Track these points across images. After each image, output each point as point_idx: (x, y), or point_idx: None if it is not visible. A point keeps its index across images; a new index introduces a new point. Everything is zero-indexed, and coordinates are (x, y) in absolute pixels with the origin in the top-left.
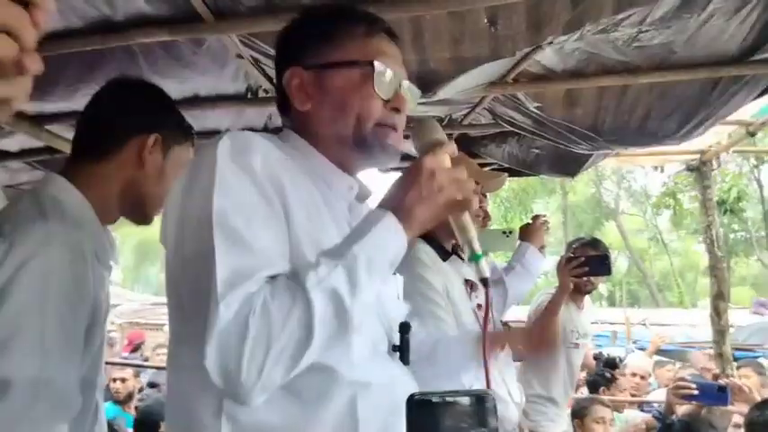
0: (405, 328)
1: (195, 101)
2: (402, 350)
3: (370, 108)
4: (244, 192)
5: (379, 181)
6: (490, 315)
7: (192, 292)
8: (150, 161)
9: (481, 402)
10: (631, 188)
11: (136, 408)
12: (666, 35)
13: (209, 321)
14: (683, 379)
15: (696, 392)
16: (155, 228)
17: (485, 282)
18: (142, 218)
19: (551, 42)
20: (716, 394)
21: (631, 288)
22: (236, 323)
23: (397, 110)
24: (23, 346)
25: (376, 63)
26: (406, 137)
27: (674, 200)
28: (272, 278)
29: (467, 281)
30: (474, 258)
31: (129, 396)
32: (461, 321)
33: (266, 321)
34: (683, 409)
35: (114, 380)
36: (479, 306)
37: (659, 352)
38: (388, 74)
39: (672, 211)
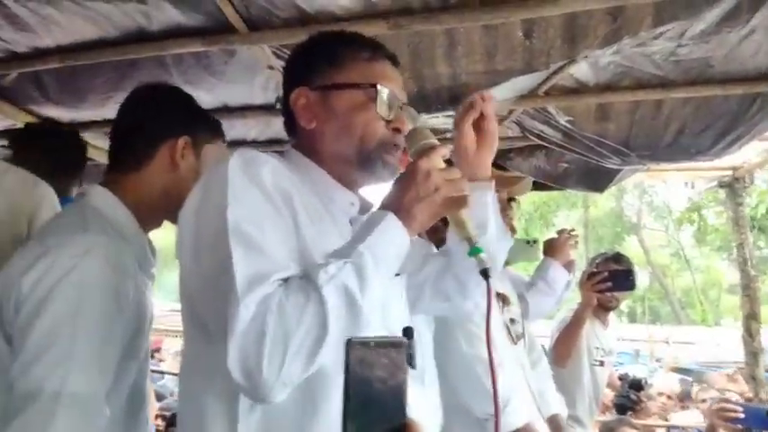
0: (408, 333)
1: (224, 111)
2: (408, 354)
3: (372, 128)
4: (255, 202)
5: (379, 194)
6: (499, 309)
7: (210, 301)
8: (184, 164)
9: (399, 347)
10: (653, 203)
11: (157, 416)
12: (705, 49)
13: (230, 323)
14: (726, 400)
15: (742, 416)
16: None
17: (485, 273)
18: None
19: (586, 56)
20: (764, 418)
21: (653, 305)
22: (254, 323)
23: (397, 130)
24: (52, 358)
25: (379, 86)
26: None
27: (698, 215)
28: (285, 280)
29: (498, 294)
30: (473, 252)
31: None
32: (493, 336)
33: (283, 319)
34: None
35: None
36: (512, 320)
37: (677, 371)
38: (390, 96)
39: (696, 227)
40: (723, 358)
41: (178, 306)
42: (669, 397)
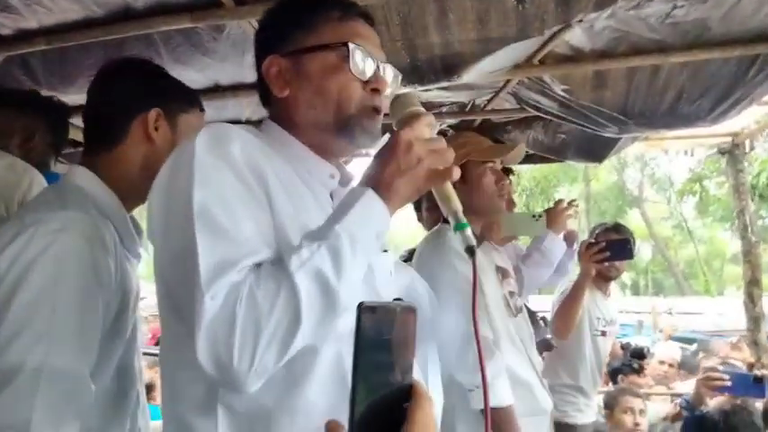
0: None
1: (216, 90)
2: None
3: (348, 90)
4: (223, 181)
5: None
6: (498, 282)
7: (179, 286)
8: (159, 136)
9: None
10: (655, 175)
11: None
12: (702, 11)
13: (196, 314)
14: (713, 369)
15: (729, 384)
16: None
17: (471, 251)
18: None
19: (581, 20)
20: (751, 385)
21: (656, 277)
22: (223, 314)
23: (376, 90)
24: (32, 333)
25: (350, 44)
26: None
27: (700, 186)
28: (257, 266)
29: (498, 267)
30: (458, 228)
31: (150, 387)
32: (490, 311)
33: (253, 309)
34: (714, 402)
35: None
36: (511, 293)
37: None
38: (364, 54)
39: (697, 198)
40: (726, 327)
41: None
42: (671, 365)
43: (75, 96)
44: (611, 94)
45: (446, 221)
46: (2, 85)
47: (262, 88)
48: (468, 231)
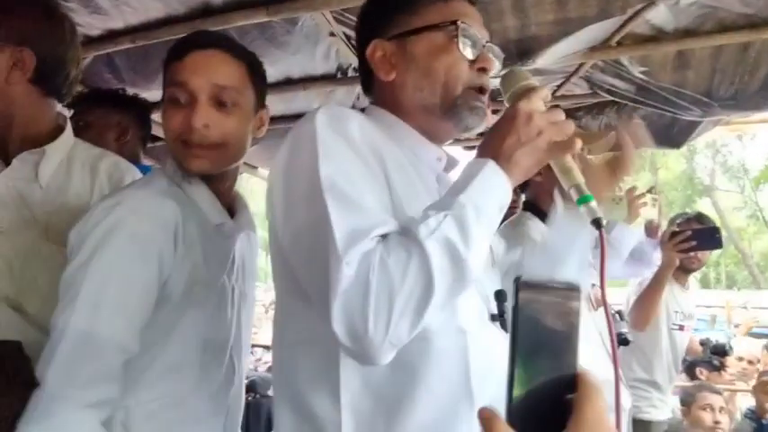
0: (501, 295)
1: (286, 84)
2: (501, 318)
3: (456, 70)
4: (346, 157)
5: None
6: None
7: (305, 261)
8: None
9: (573, 291)
10: (727, 162)
11: None
12: None
13: (332, 282)
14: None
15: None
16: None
17: (598, 223)
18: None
19: None
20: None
21: (728, 270)
22: (357, 281)
23: (483, 70)
24: (64, 301)
25: (459, 23)
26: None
27: None
28: (384, 235)
29: None
30: (583, 200)
31: None
32: None
33: (386, 276)
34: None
35: None
36: (593, 285)
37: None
38: (472, 33)
39: None
40: None
41: None
42: (750, 362)
43: (156, 93)
44: (694, 74)
45: (526, 209)
46: (90, 84)
47: (364, 74)
48: (593, 203)
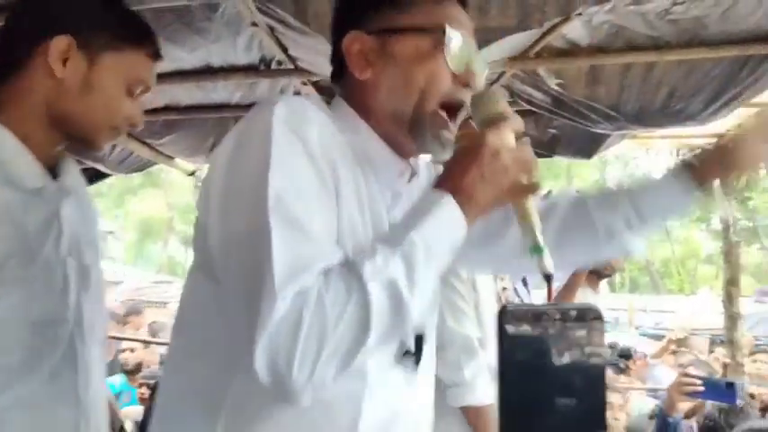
0: (420, 337)
1: (207, 72)
2: (418, 354)
3: (438, 80)
4: (301, 169)
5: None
6: (492, 278)
7: (235, 269)
8: (69, 73)
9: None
10: (636, 174)
11: (141, 384)
12: (701, 9)
13: (262, 315)
14: (687, 374)
15: (702, 389)
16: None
17: (548, 278)
18: (81, 142)
19: (581, 14)
20: (724, 391)
21: (632, 275)
22: (289, 318)
23: (467, 85)
24: None
25: (448, 29)
26: None
27: None
28: (327, 269)
29: None
30: (535, 251)
31: (138, 367)
32: (482, 309)
33: (321, 316)
34: (685, 406)
35: (123, 350)
36: (504, 289)
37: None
38: (462, 43)
39: None
40: (699, 326)
41: (161, 278)
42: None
43: None
44: (605, 90)
45: None
46: None
47: (336, 64)
48: (547, 256)
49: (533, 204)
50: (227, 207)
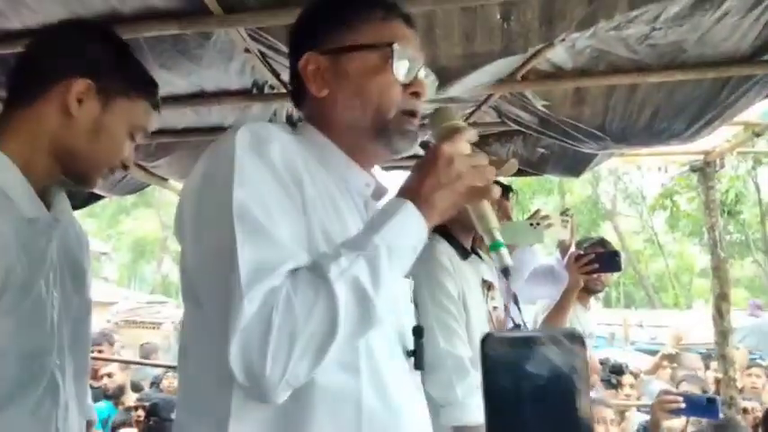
0: (419, 331)
1: (200, 96)
2: (416, 355)
3: (389, 93)
4: (263, 182)
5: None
6: (484, 297)
7: (211, 287)
8: (82, 113)
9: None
10: (628, 189)
11: (137, 407)
12: (679, 33)
13: (232, 317)
14: (668, 392)
15: (683, 406)
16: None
17: (506, 272)
18: (78, 178)
19: (563, 39)
20: (705, 407)
21: (627, 289)
22: (259, 319)
23: (416, 95)
24: None
25: (395, 45)
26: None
27: (671, 201)
28: (294, 271)
29: (484, 281)
30: (494, 247)
31: (120, 390)
32: (473, 328)
33: (290, 316)
34: (668, 424)
35: (101, 376)
36: (495, 308)
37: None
38: (407, 57)
39: (668, 213)
40: (694, 341)
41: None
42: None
43: None
44: (590, 111)
45: (436, 231)
46: None
47: (295, 87)
48: (504, 251)
49: (489, 206)
50: (199, 229)
